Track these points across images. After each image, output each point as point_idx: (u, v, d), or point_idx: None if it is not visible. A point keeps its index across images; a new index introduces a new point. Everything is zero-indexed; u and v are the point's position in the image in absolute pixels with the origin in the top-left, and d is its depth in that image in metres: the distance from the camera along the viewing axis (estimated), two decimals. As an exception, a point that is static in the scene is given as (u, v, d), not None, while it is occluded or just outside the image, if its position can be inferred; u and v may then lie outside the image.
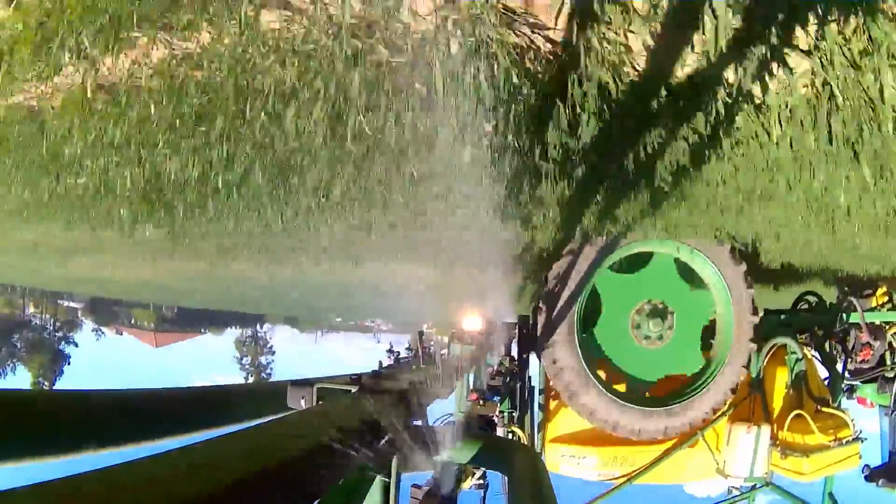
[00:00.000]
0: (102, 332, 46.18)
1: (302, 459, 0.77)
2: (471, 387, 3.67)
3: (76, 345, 41.36)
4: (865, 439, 4.53)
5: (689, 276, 4.25)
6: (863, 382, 4.97)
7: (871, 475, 4.72)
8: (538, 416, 4.77)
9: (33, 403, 1.02)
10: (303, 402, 1.41)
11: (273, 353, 48.92)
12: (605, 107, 1.70)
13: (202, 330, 50.51)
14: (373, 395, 1.33)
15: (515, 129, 1.82)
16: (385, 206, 2.84)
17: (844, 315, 4.90)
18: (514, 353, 4.82)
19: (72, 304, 43.74)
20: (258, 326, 48.58)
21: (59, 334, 41.65)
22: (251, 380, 43.60)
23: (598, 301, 4.22)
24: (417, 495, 1.85)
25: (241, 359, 47.70)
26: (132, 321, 46.97)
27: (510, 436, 3.84)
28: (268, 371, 46.78)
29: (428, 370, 1.85)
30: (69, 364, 39.01)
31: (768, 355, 4.65)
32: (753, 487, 4.83)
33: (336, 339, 55.61)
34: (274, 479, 0.68)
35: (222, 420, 1.33)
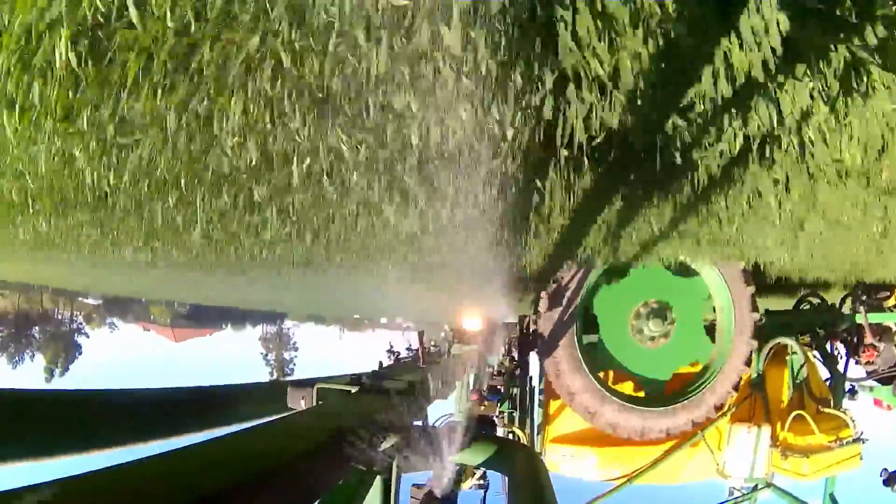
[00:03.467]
0: (116, 326, 48.82)
1: (302, 459, 0.77)
2: (471, 387, 3.67)
3: (87, 336, 44.42)
4: (867, 440, 4.52)
5: (677, 267, 4.23)
6: (879, 383, 4.95)
7: (890, 479, 4.69)
8: (538, 416, 4.77)
9: (34, 403, 1.02)
10: (303, 402, 1.41)
11: (297, 349, 50.20)
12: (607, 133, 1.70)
13: (222, 325, 51.24)
14: (373, 395, 1.33)
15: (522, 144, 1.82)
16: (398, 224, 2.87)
17: (847, 316, 4.89)
18: (515, 353, 4.83)
19: (88, 301, 45.46)
20: (281, 323, 49.29)
21: (74, 327, 44.35)
22: (275, 375, 45.07)
23: (616, 273, 4.17)
24: (417, 495, 1.85)
25: (266, 355, 48.94)
26: (150, 318, 48.05)
27: (510, 436, 3.84)
28: (291, 366, 48.36)
29: (428, 370, 1.85)
30: (81, 354, 42.12)
31: (769, 355, 4.64)
32: (754, 488, 4.82)
33: (360, 336, 56.33)
34: (274, 479, 0.68)
35: (222, 420, 1.33)
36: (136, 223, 3.17)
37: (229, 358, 54.83)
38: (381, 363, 1.83)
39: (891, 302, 4.99)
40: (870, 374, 4.92)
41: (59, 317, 43.87)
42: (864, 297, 4.92)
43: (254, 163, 1.89)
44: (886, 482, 4.70)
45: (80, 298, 43.76)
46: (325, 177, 2.05)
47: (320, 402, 1.39)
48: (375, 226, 2.84)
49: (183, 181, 2.20)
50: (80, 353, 41.92)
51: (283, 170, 2.04)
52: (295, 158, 1.88)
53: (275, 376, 45.96)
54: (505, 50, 1.33)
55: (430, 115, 1.55)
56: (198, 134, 1.70)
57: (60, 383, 37.45)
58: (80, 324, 44.73)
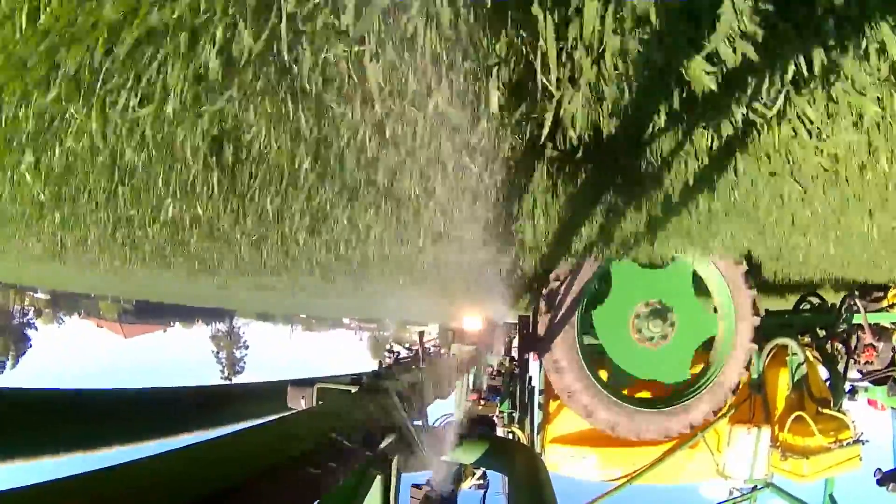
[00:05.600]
0: (63, 321, 50.65)
1: (302, 459, 0.77)
2: (471, 387, 3.68)
3: (36, 329, 46.66)
4: (867, 441, 4.51)
5: (702, 290, 4.21)
6: (873, 384, 4.95)
7: (883, 479, 4.70)
8: (538, 416, 4.77)
9: (33, 403, 1.02)
10: (303, 402, 1.41)
11: (247, 347, 50.89)
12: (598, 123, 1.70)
13: (171, 322, 51.60)
14: (373, 395, 1.33)
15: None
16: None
17: (847, 316, 4.89)
18: (514, 353, 4.84)
19: (38, 296, 46.60)
20: (231, 321, 49.57)
21: (24, 321, 45.98)
22: (226, 373, 45.37)
23: (604, 284, 4.17)
24: (417, 495, 1.85)
25: (217, 353, 49.41)
26: (99, 313, 48.41)
27: (510, 436, 3.84)
28: (241, 364, 48.60)
29: (428, 370, 1.85)
30: (31, 347, 44.16)
31: (769, 356, 4.64)
32: (754, 489, 4.82)
33: (311, 335, 56.84)
34: (274, 479, 0.68)
35: (222, 420, 1.33)
36: (82, 220, 3.15)
37: (180, 355, 55.50)
38: (380, 363, 1.83)
39: (885, 302, 4.99)
40: (864, 376, 4.92)
41: (11, 310, 44.75)
42: (863, 298, 4.92)
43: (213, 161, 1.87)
44: (880, 482, 4.71)
45: (29, 293, 44.74)
46: (286, 180, 2.04)
47: (320, 402, 1.38)
48: (357, 228, 2.82)
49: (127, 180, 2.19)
50: (31, 346, 43.55)
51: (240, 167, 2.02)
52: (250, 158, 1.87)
53: (226, 374, 46.53)
54: (494, 50, 1.34)
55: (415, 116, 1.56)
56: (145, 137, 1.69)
57: (12, 375, 38.77)
58: (31, 319, 46.21)
